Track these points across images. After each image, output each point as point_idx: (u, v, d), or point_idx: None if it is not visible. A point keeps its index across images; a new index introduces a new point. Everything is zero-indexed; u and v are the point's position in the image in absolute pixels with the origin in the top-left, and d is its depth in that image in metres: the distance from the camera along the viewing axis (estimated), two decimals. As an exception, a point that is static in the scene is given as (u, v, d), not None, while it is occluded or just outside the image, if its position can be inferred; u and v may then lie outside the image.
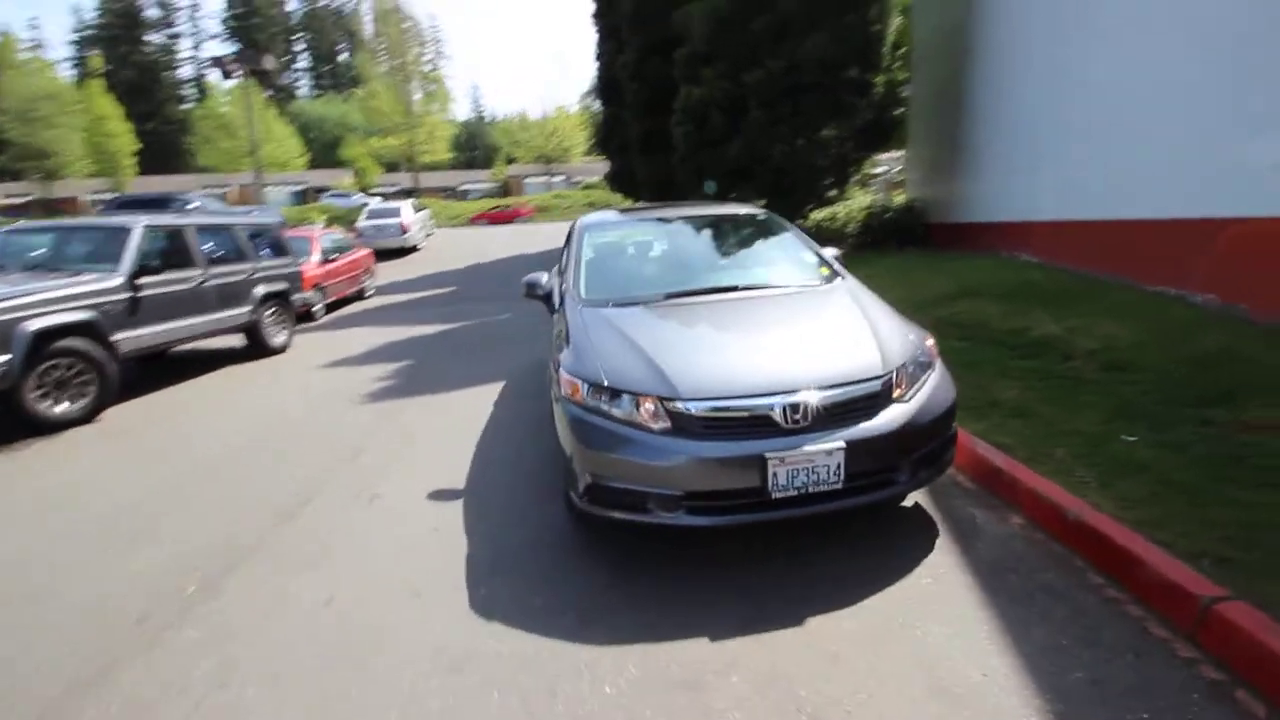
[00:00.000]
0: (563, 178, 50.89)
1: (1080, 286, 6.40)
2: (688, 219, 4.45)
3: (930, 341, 3.14)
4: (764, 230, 4.39)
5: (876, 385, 2.72)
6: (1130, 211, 6.81)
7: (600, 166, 27.74)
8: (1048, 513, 2.94)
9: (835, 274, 3.83)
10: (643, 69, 14.14)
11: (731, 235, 4.38)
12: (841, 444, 2.59)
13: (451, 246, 22.68)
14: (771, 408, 2.63)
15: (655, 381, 2.75)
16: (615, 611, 2.61)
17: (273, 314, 8.32)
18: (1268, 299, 5.02)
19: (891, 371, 2.78)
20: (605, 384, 2.81)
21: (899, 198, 14.00)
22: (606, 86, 18.67)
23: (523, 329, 8.63)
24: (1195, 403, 3.64)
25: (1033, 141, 8.62)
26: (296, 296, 8.91)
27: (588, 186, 42.81)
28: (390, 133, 40.56)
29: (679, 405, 2.65)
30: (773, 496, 2.55)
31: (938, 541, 2.94)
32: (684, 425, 2.62)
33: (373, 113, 41.59)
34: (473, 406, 5.43)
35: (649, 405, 2.68)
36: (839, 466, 2.58)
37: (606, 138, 18.96)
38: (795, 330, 3.17)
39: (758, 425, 2.62)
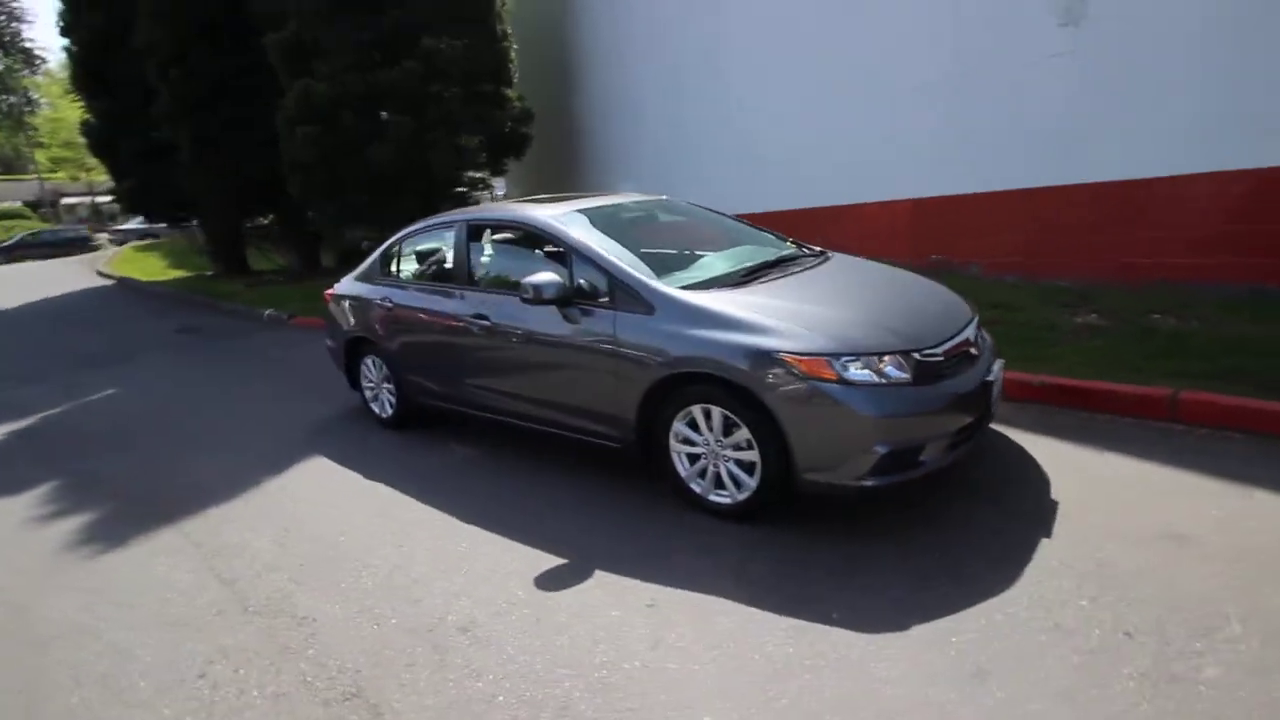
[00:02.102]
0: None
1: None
2: (606, 209, 3.98)
3: None
4: (692, 214, 4.33)
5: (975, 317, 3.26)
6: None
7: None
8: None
9: (815, 249, 3.93)
10: (189, 57, 11.06)
11: (683, 222, 4.20)
12: (1002, 363, 3.05)
13: None
14: (970, 341, 2.90)
15: (891, 338, 2.70)
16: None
17: None
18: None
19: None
20: (848, 351, 2.59)
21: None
22: (90, 75, 13.73)
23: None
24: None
25: (637, 159, 10.60)
26: None
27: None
28: None
29: (921, 355, 2.66)
30: (992, 417, 2.84)
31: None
32: (924, 372, 2.66)
33: None
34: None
35: (893, 361, 2.60)
36: (1002, 385, 3.04)
37: (104, 143, 13.92)
38: (890, 289, 3.36)
39: (966, 359, 2.85)
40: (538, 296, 3.18)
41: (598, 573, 2.66)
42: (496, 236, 4.04)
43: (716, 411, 2.82)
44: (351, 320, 4.67)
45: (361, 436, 4.63)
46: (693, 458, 3.00)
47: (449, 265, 4.10)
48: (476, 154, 10.64)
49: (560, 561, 2.78)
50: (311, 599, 2.72)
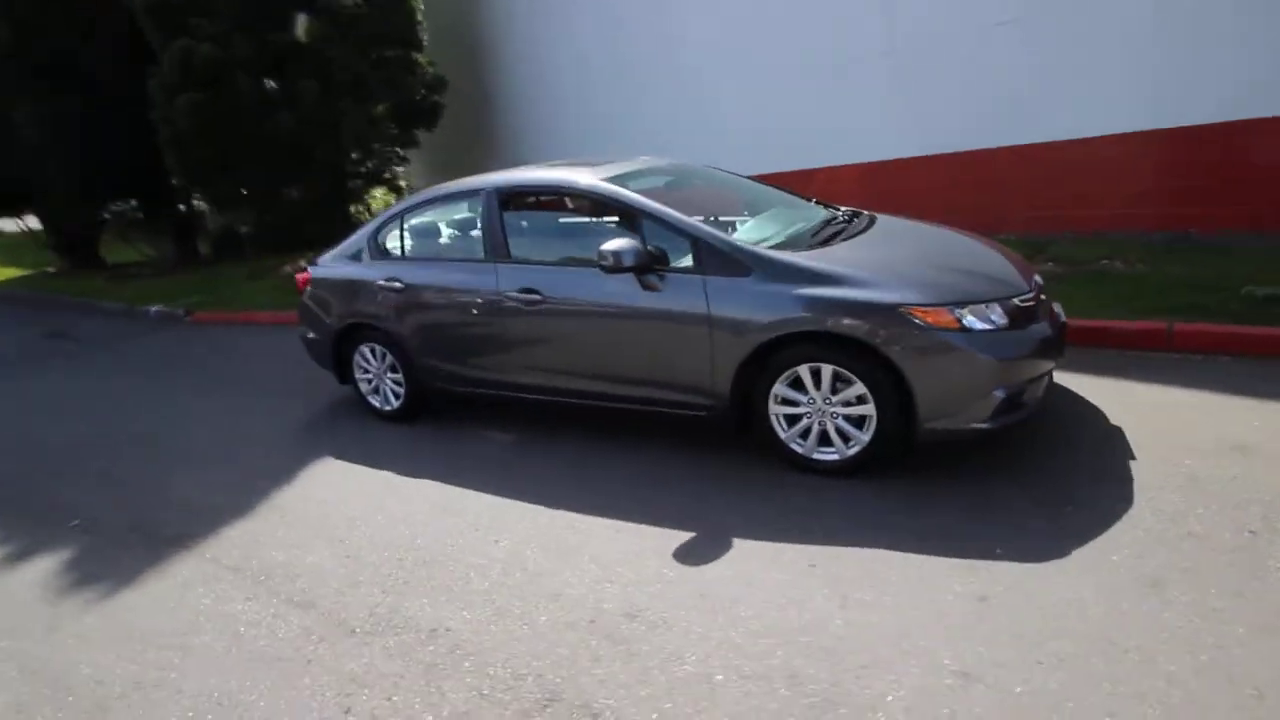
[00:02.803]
0: None
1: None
2: (636, 174, 3.81)
3: None
4: (713, 177, 4.24)
5: None
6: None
7: None
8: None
9: (845, 208, 3.89)
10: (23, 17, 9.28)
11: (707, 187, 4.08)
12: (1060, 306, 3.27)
13: None
14: (1041, 286, 3.08)
15: (993, 286, 2.81)
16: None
17: None
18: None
19: None
20: (964, 300, 2.67)
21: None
22: None
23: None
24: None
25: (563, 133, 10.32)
26: None
27: None
28: None
29: (1018, 301, 2.80)
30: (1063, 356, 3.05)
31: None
32: (1018, 317, 2.79)
33: None
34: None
35: (998, 308, 2.72)
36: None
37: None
38: (954, 243, 3.40)
39: (1042, 304, 3.03)
40: (618, 264, 3.00)
41: (737, 541, 2.60)
42: (531, 205, 3.76)
43: (827, 369, 2.81)
44: (342, 306, 4.19)
45: (363, 432, 4.20)
46: (791, 419, 2.99)
47: (476, 238, 3.76)
48: (386, 124, 9.84)
49: (690, 535, 2.68)
50: (427, 609, 2.45)
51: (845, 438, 2.89)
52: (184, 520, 3.36)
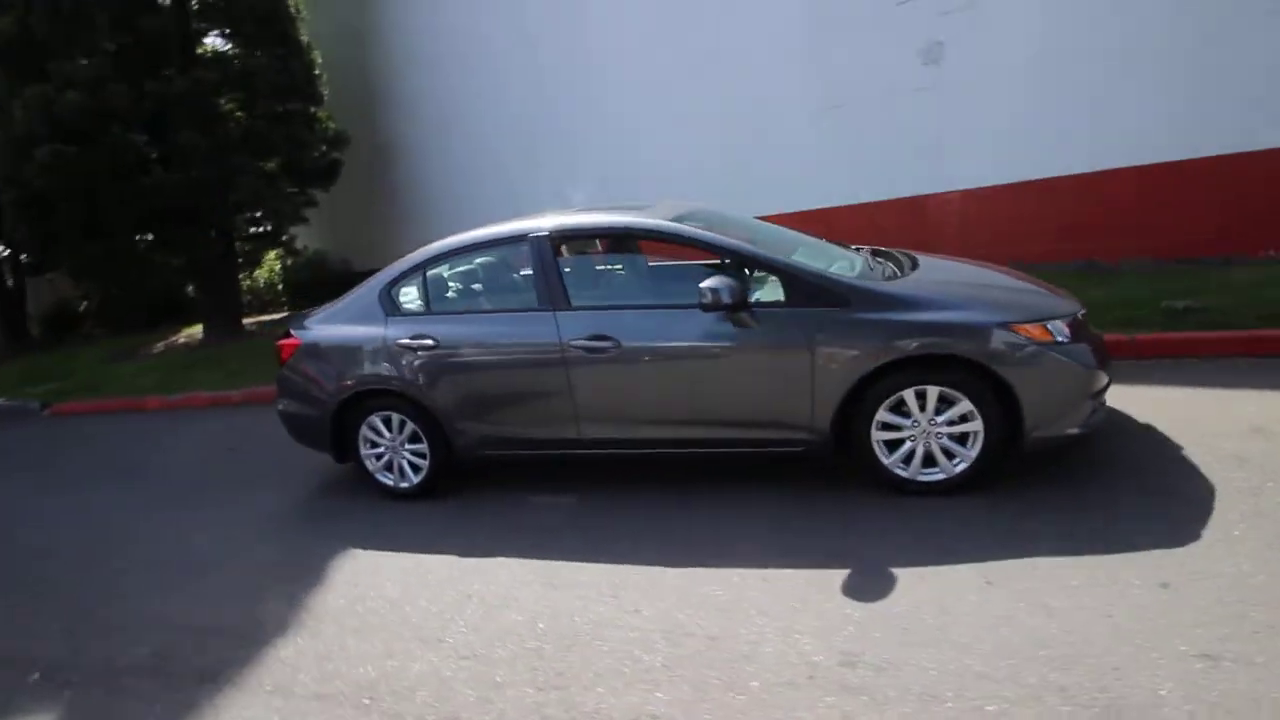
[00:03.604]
0: None
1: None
2: (681, 215, 3.74)
3: None
4: (733, 220, 4.23)
5: None
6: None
7: None
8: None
9: (872, 248, 3.99)
10: None
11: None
12: None
13: None
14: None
15: (1057, 305, 3.06)
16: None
17: None
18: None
19: None
20: (1053, 316, 2.90)
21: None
22: None
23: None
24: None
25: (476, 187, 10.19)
26: None
27: None
28: None
29: (1079, 318, 3.08)
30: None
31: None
32: (1076, 332, 3.07)
33: None
34: None
35: (1069, 323, 2.98)
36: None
37: None
38: (994, 272, 3.61)
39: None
40: (716, 302, 2.94)
41: (895, 570, 2.55)
42: (580, 250, 3.58)
43: (933, 390, 2.91)
44: (347, 372, 3.69)
45: (374, 514, 3.71)
46: (891, 444, 3.04)
47: (524, 286, 3.50)
48: (283, 182, 9.07)
49: (844, 571, 2.59)
50: (609, 699, 2.13)
51: (949, 455, 2.99)
52: (207, 649, 2.70)
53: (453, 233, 3.76)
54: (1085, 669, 1.98)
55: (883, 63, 6.74)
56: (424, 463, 3.71)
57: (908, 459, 3.02)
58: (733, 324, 3.06)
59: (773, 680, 2.12)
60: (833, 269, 3.41)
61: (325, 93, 9.47)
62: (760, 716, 1.99)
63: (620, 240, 3.80)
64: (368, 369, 3.65)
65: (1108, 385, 3.10)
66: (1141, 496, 2.83)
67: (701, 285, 2.96)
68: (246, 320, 10.34)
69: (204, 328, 9.58)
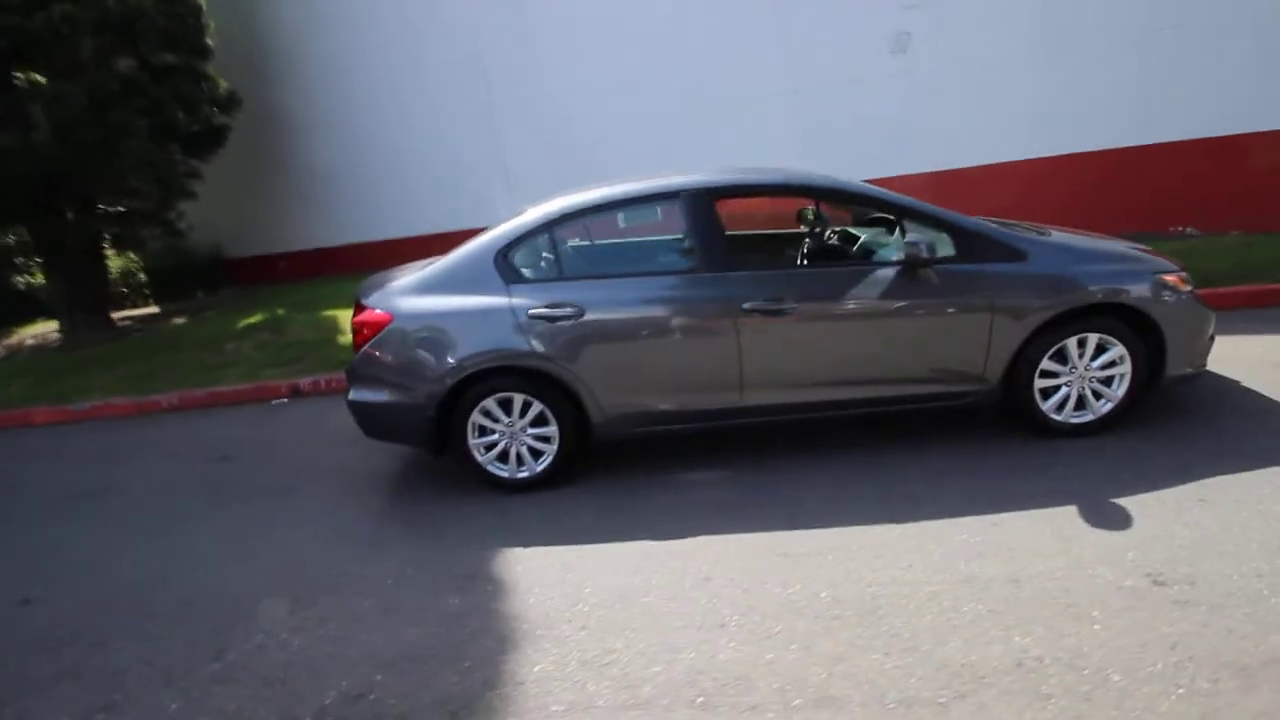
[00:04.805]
0: None
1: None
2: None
3: None
4: None
5: None
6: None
7: None
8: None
9: None
10: None
11: None
12: None
13: None
14: None
15: (1169, 260, 3.42)
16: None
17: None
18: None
19: None
20: (1174, 269, 3.25)
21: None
22: None
23: None
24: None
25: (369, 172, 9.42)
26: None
27: None
28: None
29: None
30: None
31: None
32: None
33: None
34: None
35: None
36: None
37: None
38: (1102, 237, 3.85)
39: None
40: (931, 257, 2.97)
41: (1116, 500, 2.73)
42: (710, 208, 3.32)
43: (1095, 338, 3.15)
44: (463, 350, 3.19)
45: (504, 511, 3.28)
46: (1045, 391, 3.25)
47: (677, 247, 3.23)
48: (172, 147, 7.62)
49: (1071, 507, 2.72)
50: (973, 651, 2.05)
51: (1097, 397, 3.26)
52: (439, 681, 2.20)
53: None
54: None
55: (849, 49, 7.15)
56: (547, 448, 3.32)
57: (1060, 405, 3.26)
58: (914, 280, 3.10)
59: (1109, 607, 2.19)
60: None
61: (212, 45, 8.05)
62: (1132, 640, 2.04)
63: (770, 199, 3.66)
64: (491, 345, 3.18)
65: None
66: (1243, 420, 3.30)
67: (908, 239, 2.96)
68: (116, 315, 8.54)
69: (62, 325, 7.74)
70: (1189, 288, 3.25)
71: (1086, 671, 1.95)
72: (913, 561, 2.54)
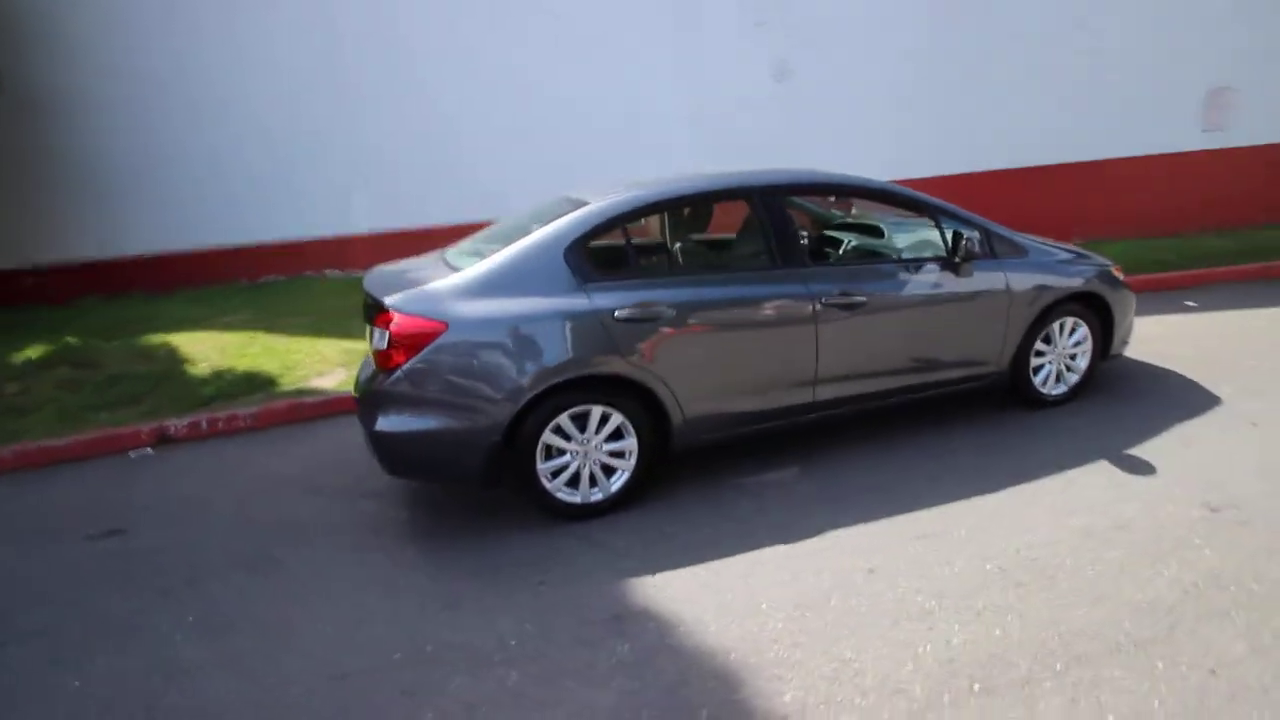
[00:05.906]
0: None
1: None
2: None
3: None
4: None
5: None
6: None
7: None
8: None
9: None
10: None
11: None
12: None
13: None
14: None
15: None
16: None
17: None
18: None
19: None
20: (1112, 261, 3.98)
21: None
22: None
23: None
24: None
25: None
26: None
27: None
28: None
29: None
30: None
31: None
32: None
33: None
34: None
35: None
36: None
37: None
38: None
39: None
40: (971, 251, 3.28)
41: (1131, 451, 3.26)
42: (783, 206, 3.28)
43: (1070, 321, 3.73)
44: (541, 362, 2.75)
45: (588, 535, 2.88)
46: (1036, 369, 3.77)
47: (747, 243, 3.11)
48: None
49: (1103, 462, 3.20)
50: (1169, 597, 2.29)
51: (1071, 371, 3.86)
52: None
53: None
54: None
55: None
56: (622, 463, 3.01)
57: (1044, 381, 3.81)
58: (959, 273, 3.40)
59: (1200, 534, 2.61)
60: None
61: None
62: (1239, 556, 2.46)
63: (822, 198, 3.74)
64: (572, 353, 2.79)
65: None
66: (1211, 407, 3.89)
67: (965, 235, 3.26)
68: None
69: None
70: (1123, 277, 4.04)
71: (1256, 586, 2.30)
72: (1029, 525, 2.78)
